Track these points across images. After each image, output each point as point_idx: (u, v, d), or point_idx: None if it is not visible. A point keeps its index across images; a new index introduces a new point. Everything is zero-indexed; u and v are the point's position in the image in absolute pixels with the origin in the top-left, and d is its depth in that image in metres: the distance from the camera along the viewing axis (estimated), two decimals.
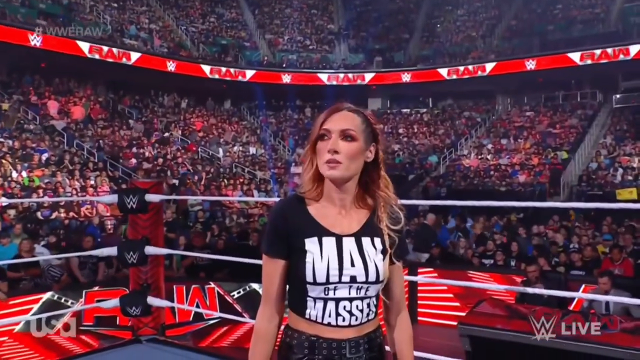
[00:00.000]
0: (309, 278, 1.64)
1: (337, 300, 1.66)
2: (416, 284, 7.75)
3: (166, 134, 21.83)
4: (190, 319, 6.59)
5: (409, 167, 22.35)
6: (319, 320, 1.66)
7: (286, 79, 27.03)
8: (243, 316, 6.42)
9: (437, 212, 11.27)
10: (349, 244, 1.69)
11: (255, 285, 6.46)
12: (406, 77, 27.05)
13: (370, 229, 1.72)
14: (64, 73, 21.76)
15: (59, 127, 18.40)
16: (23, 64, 20.90)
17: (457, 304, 7.57)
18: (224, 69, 25.69)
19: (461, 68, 25.87)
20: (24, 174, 14.26)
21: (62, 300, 6.26)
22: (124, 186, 15.04)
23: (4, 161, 14.44)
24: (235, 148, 23.38)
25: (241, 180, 19.34)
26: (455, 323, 5.24)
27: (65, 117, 19.57)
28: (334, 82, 27.24)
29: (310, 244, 1.67)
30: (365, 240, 1.70)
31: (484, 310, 5.10)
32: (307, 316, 1.68)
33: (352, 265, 1.66)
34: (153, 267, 3.99)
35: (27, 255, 7.47)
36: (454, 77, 25.92)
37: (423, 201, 11.02)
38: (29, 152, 15.70)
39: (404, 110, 29.53)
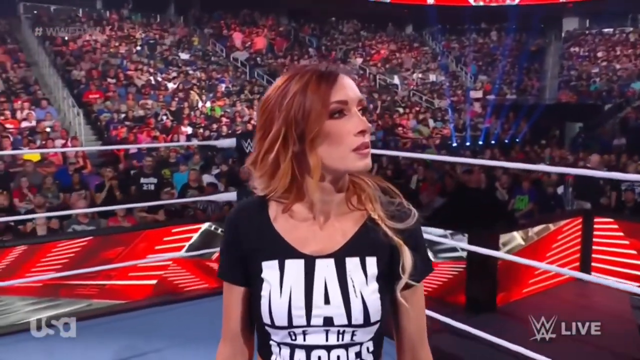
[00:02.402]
0: (266, 319, 1.16)
1: (309, 349, 1.17)
2: (591, 231, 6.82)
3: (344, 62, 21.83)
4: None
5: (607, 95, 19.82)
6: None
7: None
8: None
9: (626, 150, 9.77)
10: (324, 269, 1.16)
11: None
12: None
13: (362, 241, 1.19)
14: (249, 4, 22.59)
15: (241, 58, 19.26)
16: None
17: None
18: None
19: None
20: (208, 104, 15.21)
21: (219, 231, 6.54)
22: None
23: (192, 92, 15.52)
24: (415, 75, 22.71)
25: (417, 108, 18.77)
26: (635, 286, 4.48)
27: (248, 48, 20.43)
28: (525, 2, 24.82)
29: (268, 269, 1.18)
30: (352, 262, 1.17)
31: None
32: None
33: (327, 302, 1.14)
34: None
35: (193, 184, 7.97)
36: None
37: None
38: (214, 83, 16.71)
39: (606, 30, 26.02)
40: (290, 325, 1.14)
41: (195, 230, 6.49)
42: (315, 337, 1.15)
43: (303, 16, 24.53)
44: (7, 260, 5.27)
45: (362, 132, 1.13)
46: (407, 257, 1.18)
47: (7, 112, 12.52)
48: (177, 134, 12.57)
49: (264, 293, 1.16)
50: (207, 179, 8.60)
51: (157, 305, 5.31)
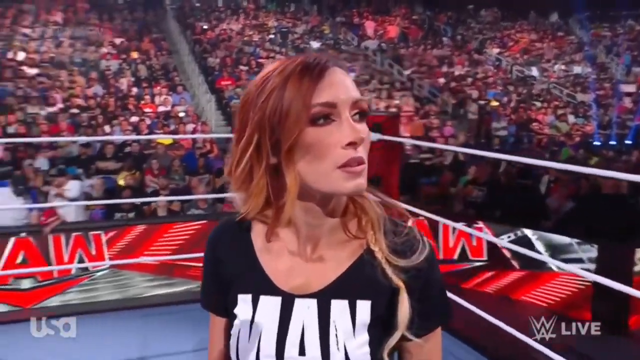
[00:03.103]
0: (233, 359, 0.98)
1: None
2: None
3: (480, 52, 20.88)
4: (455, 257, 6.13)
5: None
6: None
7: None
8: (512, 264, 5.72)
9: None
10: (303, 311, 0.94)
11: (527, 232, 5.63)
12: None
13: (355, 280, 0.95)
14: None
15: (372, 47, 19.04)
16: None
17: None
18: None
19: None
20: None
21: None
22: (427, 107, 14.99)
23: None
24: (556, 67, 21.15)
25: (556, 103, 17.45)
26: None
27: (380, 37, 20.16)
28: None
29: (242, 304, 0.97)
30: (338, 306, 0.93)
31: None
32: None
33: (302, 352, 0.92)
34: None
35: None
36: None
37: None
38: None
39: None
40: None
41: None
42: None
43: (439, 4, 23.78)
44: (129, 238, 5.51)
45: (352, 144, 0.87)
46: (403, 306, 0.92)
47: (147, 97, 13.30)
48: None
49: (234, 332, 0.97)
50: None
51: None
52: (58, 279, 5.22)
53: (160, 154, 9.48)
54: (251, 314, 0.95)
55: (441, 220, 4.38)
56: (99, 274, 5.29)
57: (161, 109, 12.79)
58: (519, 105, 16.64)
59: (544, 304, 5.44)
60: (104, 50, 15.93)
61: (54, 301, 5.15)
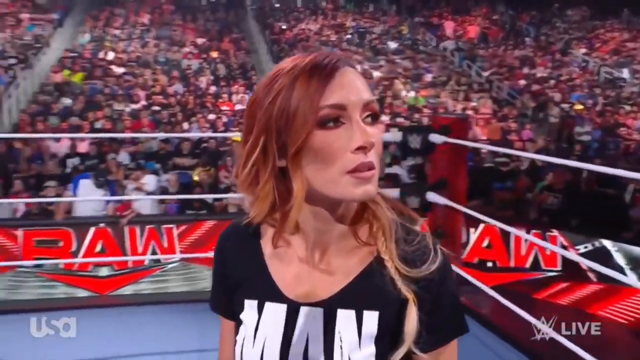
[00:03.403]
0: None
1: None
2: None
3: (565, 53, 20.03)
4: (527, 265, 5.92)
5: None
6: None
7: None
8: (588, 276, 5.46)
9: None
10: (309, 320, 0.90)
11: (606, 243, 5.35)
12: None
13: (363, 289, 0.90)
14: None
15: (450, 48, 18.68)
16: None
17: None
18: None
19: None
20: (412, 93, 14.98)
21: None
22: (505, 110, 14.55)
23: (396, 81, 15.44)
24: None
25: None
26: None
27: (459, 37, 19.76)
28: None
29: (248, 309, 0.96)
30: (344, 316, 0.90)
31: None
32: None
33: None
34: (446, 215, 3.53)
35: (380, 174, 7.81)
36: None
37: None
38: (420, 72, 16.42)
39: None
40: None
41: None
42: None
43: (522, 3, 22.99)
44: (200, 232, 5.69)
45: (362, 149, 0.83)
46: (411, 318, 0.87)
47: (225, 95, 13.65)
48: (379, 122, 12.54)
49: (239, 338, 0.95)
50: (398, 170, 8.40)
51: None
52: (132, 268, 5.46)
53: (234, 151, 9.70)
54: (256, 320, 0.94)
55: (509, 229, 4.23)
56: (170, 266, 5.48)
57: (238, 107, 13.09)
58: (606, 109, 15.85)
59: (623, 321, 5.15)
60: (186, 49, 16.50)
61: (128, 290, 5.38)
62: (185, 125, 11.36)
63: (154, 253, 5.36)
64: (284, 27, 18.72)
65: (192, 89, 13.82)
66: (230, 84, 14.32)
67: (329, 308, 0.91)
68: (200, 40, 17.38)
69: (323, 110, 0.83)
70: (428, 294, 0.89)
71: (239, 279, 0.99)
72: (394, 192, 3.67)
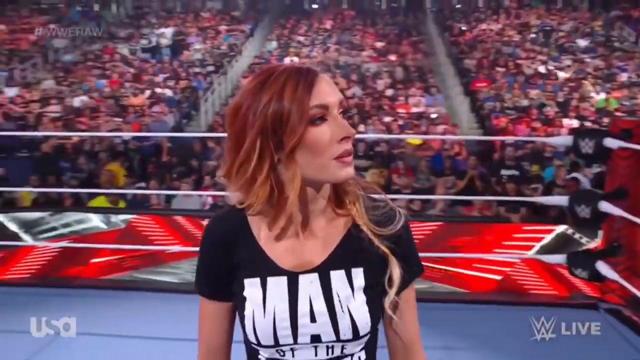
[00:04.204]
0: (251, 338, 1.11)
1: None
2: None
3: None
4: None
5: None
6: None
7: None
8: None
9: None
10: (308, 285, 1.10)
11: None
12: None
13: (347, 252, 1.12)
14: None
15: None
16: None
17: None
18: None
19: None
20: (602, 95, 13.84)
21: (576, 236, 5.96)
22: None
23: (585, 82, 14.37)
24: None
25: None
26: None
27: None
28: None
29: (251, 287, 1.11)
30: (337, 276, 1.11)
31: None
32: None
33: (313, 320, 1.09)
34: (624, 228, 3.31)
35: (559, 182, 7.41)
36: None
37: None
38: (614, 71, 15.09)
39: None
40: (277, 344, 1.10)
41: (549, 232, 6.05)
42: (304, 353, 1.11)
43: None
44: None
45: (346, 139, 1.05)
46: (395, 270, 1.12)
47: (402, 98, 13.79)
48: (559, 126, 11.82)
49: (247, 313, 1.11)
50: (580, 177, 7.87)
51: (498, 303, 5.08)
52: None
53: (408, 154, 9.80)
54: (262, 294, 1.10)
55: None
56: None
57: (414, 110, 13.15)
58: None
59: None
60: (365, 53, 16.94)
61: None
62: (362, 127, 11.69)
63: None
64: (463, 28, 18.37)
65: (370, 91, 14.16)
66: (408, 87, 14.43)
67: (322, 272, 1.11)
68: (379, 44, 17.74)
69: (312, 110, 1.02)
70: (398, 247, 1.13)
71: (236, 261, 1.13)
72: (554, 199, 3.52)
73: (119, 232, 6.09)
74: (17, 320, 3.43)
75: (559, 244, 5.72)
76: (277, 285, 1.11)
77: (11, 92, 15.05)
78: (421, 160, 9.32)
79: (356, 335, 1.10)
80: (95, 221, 6.11)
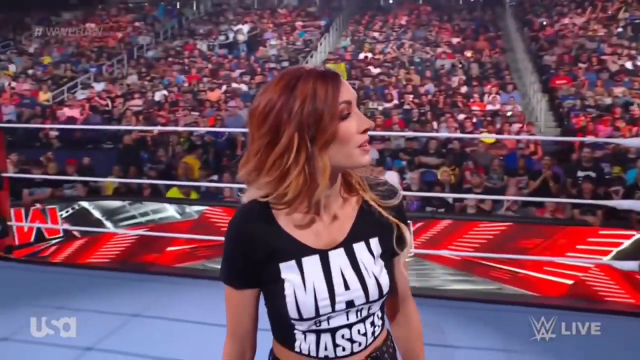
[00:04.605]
0: (293, 314, 1.25)
1: (334, 331, 1.29)
2: None
3: None
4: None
5: None
6: (313, 354, 1.30)
7: None
8: None
9: None
10: (337, 259, 1.27)
11: None
12: None
13: (363, 225, 1.31)
14: None
15: None
16: None
17: None
18: None
19: None
20: None
21: None
22: None
23: None
24: None
25: None
26: None
27: None
28: None
29: (287, 270, 1.26)
30: (359, 247, 1.30)
31: None
32: (296, 349, 1.32)
33: (347, 288, 1.27)
34: None
35: None
36: None
37: None
38: None
39: None
40: (317, 315, 1.25)
41: (629, 237, 5.81)
42: (338, 319, 1.28)
43: None
44: (435, 230, 5.85)
45: (367, 130, 1.22)
46: (407, 233, 1.34)
47: (476, 95, 13.51)
48: None
49: (288, 292, 1.24)
50: None
51: (571, 309, 4.89)
52: None
53: (480, 153, 9.62)
54: (300, 275, 1.25)
55: None
56: None
57: (489, 107, 12.86)
58: None
59: None
60: (440, 49, 16.69)
61: None
62: (435, 125, 11.55)
63: None
64: (544, 22, 17.72)
65: (444, 88, 13.95)
66: (483, 84, 14.10)
67: (347, 246, 1.28)
68: (454, 40, 17.41)
69: (341, 106, 1.19)
70: (400, 215, 1.35)
71: (268, 250, 1.25)
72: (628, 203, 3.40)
73: (192, 222, 6.37)
74: (98, 301, 3.73)
75: (638, 250, 5.49)
76: (312, 264, 1.26)
77: (99, 86, 15.91)
78: (494, 158, 9.13)
79: (381, 295, 1.29)
80: (170, 211, 6.42)
